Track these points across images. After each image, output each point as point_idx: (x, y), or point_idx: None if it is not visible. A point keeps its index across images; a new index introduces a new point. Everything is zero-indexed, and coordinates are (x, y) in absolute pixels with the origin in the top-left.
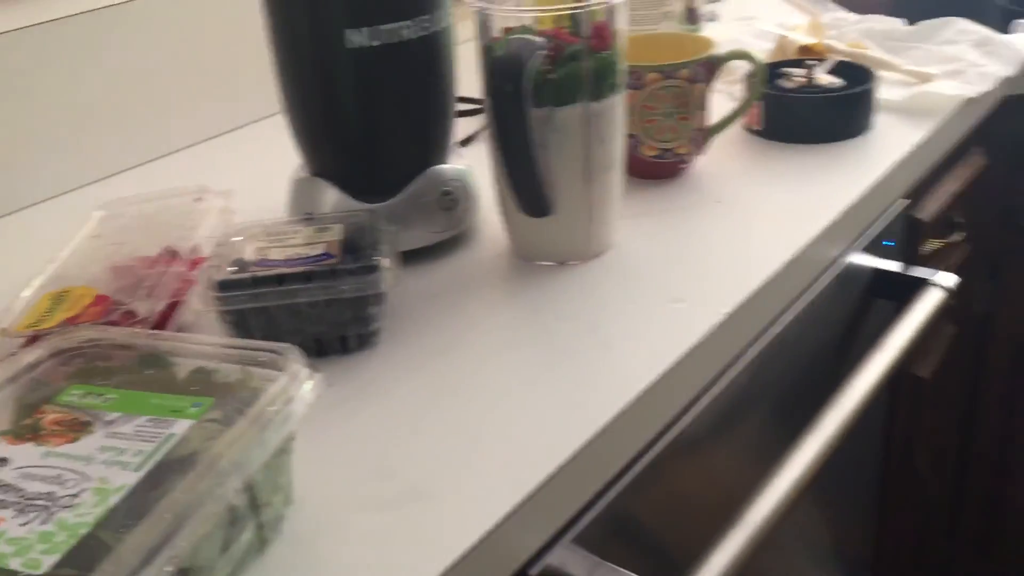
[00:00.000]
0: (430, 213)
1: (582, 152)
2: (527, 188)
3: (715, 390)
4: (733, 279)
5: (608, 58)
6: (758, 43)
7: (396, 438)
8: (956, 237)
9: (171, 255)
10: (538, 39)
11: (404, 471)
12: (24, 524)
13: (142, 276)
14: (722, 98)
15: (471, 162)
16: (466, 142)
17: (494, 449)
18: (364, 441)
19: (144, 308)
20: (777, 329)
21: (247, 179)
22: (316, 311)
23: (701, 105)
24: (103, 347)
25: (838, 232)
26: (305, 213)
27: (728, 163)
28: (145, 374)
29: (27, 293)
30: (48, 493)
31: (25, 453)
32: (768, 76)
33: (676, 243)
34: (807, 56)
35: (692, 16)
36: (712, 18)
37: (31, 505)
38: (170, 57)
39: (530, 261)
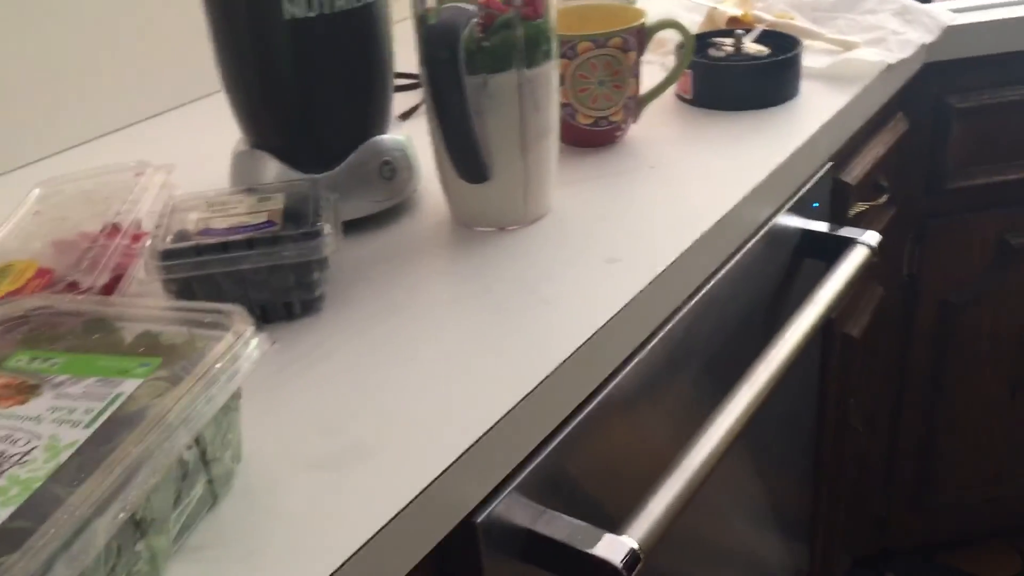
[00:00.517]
0: (371, 182)
1: (517, 119)
2: (464, 154)
3: (650, 346)
4: (666, 239)
5: (540, 26)
6: (689, 16)
7: (341, 397)
8: (882, 200)
9: (113, 229)
10: (471, 7)
11: (350, 428)
12: None
13: (84, 250)
14: (654, 68)
15: (412, 132)
16: (405, 115)
17: (438, 405)
18: (310, 401)
19: (87, 281)
20: (710, 287)
21: (188, 155)
22: (260, 278)
23: (633, 73)
24: (49, 314)
25: (767, 194)
26: (247, 185)
27: (661, 130)
28: (92, 339)
29: None
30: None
31: None
32: (698, 46)
33: (612, 207)
34: (736, 26)
35: None
36: None
37: None
38: (108, 35)
39: (470, 227)
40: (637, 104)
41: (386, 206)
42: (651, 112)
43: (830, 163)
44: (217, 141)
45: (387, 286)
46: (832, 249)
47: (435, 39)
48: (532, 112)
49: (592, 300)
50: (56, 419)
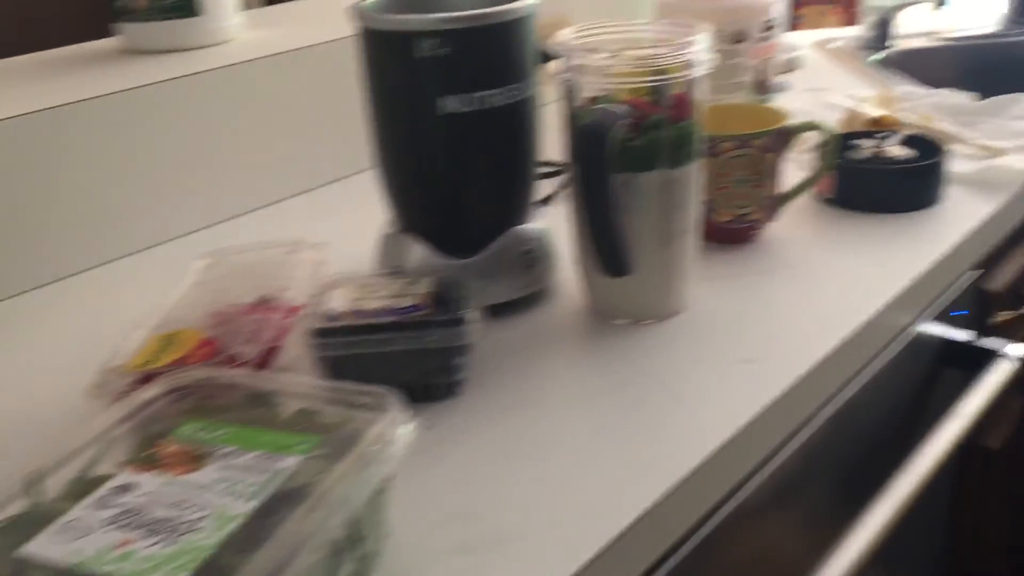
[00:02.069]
0: (512, 270)
1: (660, 216)
2: (607, 249)
3: (784, 452)
4: (804, 343)
5: (687, 128)
6: (827, 114)
7: (481, 483)
8: None
9: (268, 303)
10: (621, 108)
11: (489, 515)
12: (152, 545)
13: (243, 323)
14: (794, 167)
15: (550, 221)
16: (545, 201)
17: (572, 498)
18: (451, 484)
19: (246, 352)
20: (847, 394)
21: (338, 232)
22: (405, 359)
23: (773, 174)
24: (214, 386)
25: (908, 300)
26: (393, 267)
27: (800, 230)
28: (254, 412)
29: (139, 334)
30: (172, 518)
31: (149, 481)
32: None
33: (748, 306)
34: (877, 128)
35: (762, 87)
36: (782, 89)
37: (157, 528)
38: (270, 115)
39: (607, 319)
40: (776, 203)
41: (525, 293)
42: (790, 211)
43: (974, 271)
44: (366, 218)
45: (524, 374)
46: (975, 360)
47: (586, 139)
48: (674, 210)
49: (727, 401)
50: (223, 490)
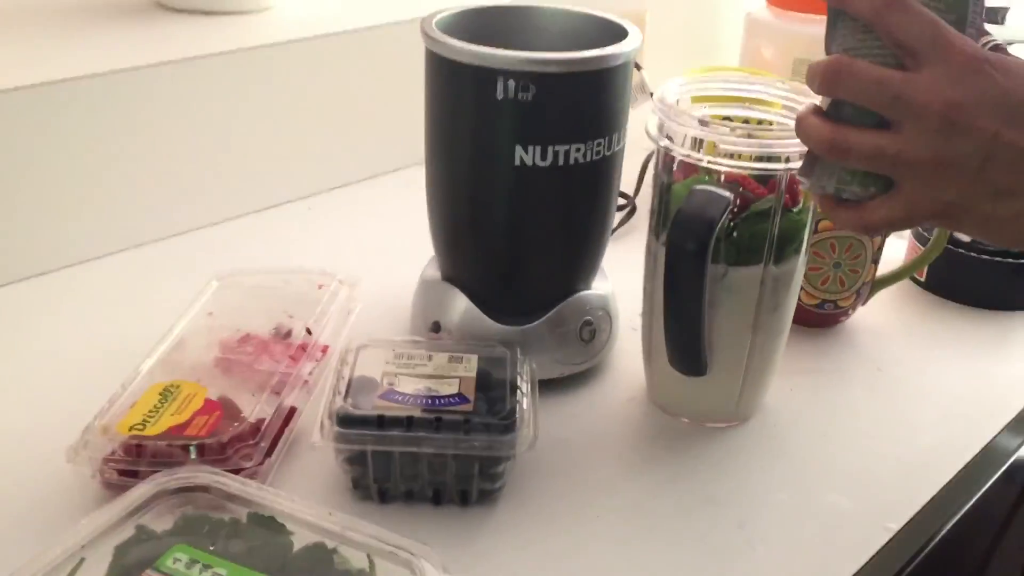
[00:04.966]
0: (568, 343)
1: (751, 315)
2: (685, 347)
3: None
4: (900, 482)
5: (797, 217)
6: None
7: None
8: None
9: (283, 338)
10: (726, 193)
11: None
12: None
13: (253, 373)
14: (894, 242)
15: (613, 280)
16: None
17: None
18: None
19: (257, 413)
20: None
21: (374, 250)
22: (441, 461)
23: (874, 259)
24: (215, 494)
25: (1017, 425)
26: (432, 322)
27: (891, 318)
28: (256, 543)
29: (137, 380)
30: None
31: None
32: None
33: (831, 416)
34: None
35: None
36: None
37: None
38: (304, 100)
39: (669, 414)
40: (870, 289)
41: (581, 369)
42: (881, 293)
43: None
44: (403, 234)
45: (571, 479)
46: None
47: (685, 228)
48: (769, 310)
49: (809, 553)
50: None
